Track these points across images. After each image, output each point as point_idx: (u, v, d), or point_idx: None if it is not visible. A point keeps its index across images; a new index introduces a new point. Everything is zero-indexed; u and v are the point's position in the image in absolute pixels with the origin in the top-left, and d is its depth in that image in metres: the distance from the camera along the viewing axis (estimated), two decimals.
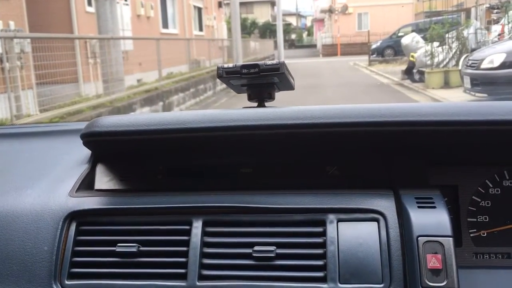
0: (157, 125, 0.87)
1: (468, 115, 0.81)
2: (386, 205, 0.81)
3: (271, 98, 1.00)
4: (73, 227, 0.86)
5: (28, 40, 6.62)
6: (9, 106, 5.77)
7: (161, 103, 9.58)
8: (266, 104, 1.00)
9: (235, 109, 0.89)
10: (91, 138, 0.92)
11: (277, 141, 0.90)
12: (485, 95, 7.32)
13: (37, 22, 8.81)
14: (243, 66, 0.91)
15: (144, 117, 0.89)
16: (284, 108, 0.88)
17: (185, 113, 0.89)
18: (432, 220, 0.76)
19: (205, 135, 0.87)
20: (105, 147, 0.96)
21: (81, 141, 0.95)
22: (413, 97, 9.78)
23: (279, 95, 1.03)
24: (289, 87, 1.01)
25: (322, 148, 0.91)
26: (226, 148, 0.93)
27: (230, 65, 0.93)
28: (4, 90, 5.82)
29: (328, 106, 0.86)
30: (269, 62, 0.91)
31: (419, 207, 0.78)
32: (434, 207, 0.78)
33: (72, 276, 0.82)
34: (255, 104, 1.00)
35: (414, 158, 0.89)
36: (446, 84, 10.12)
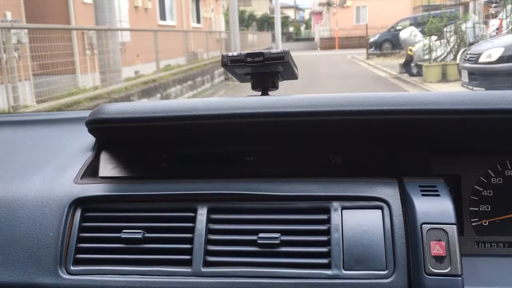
0: (163, 112, 0.87)
1: (472, 104, 0.82)
2: (390, 193, 0.82)
3: (275, 87, 1.01)
4: (78, 213, 0.86)
5: (25, 30, 6.58)
6: (6, 97, 5.74)
7: (158, 95, 9.56)
8: (270, 93, 1.00)
9: (240, 97, 0.89)
10: (96, 125, 0.92)
11: (281, 129, 0.90)
12: (483, 89, 7.34)
13: (34, 12, 8.75)
14: (248, 55, 0.91)
15: (150, 104, 0.89)
16: (288, 96, 0.88)
17: (190, 100, 0.90)
18: (436, 207, 0.76)
19: (210, 122, 0.87)
20: (110, 134, 0.96)
21: (85, 129, 0.95)
22: (410, 91, 9.79)
23: (278, 88, 1.03)
24: (293, 76, 1.01)
25: (326, 136, 0.92)
26: (231, 136, 0.93)
27: (235, 53, 0.93)
28: (1, 81, 5.79)
29: (333, 95, 0.86)
30: (274, 51, 0.91)
31: (423, 195, 0.79)
32: (438, 195, 0.79)
33: (78, 261, 0.82)
34: (259, 93, 1.00)
35: (418, 147, 0.90)
36: (444, 78, 10.14)
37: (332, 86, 11.30)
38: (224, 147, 0.95)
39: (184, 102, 0.89)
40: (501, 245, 0.90)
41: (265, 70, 0.95)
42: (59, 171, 0.94)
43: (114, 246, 0.83)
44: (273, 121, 0.86)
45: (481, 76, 7.35)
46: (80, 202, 0.87)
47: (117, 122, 0.89)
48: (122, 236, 0.83)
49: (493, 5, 12.26)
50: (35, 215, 0.86)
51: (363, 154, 0.91)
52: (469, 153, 0.93)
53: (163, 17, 15.74)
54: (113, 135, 0.96)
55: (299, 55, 21.90)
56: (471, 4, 13.06)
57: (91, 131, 0.95)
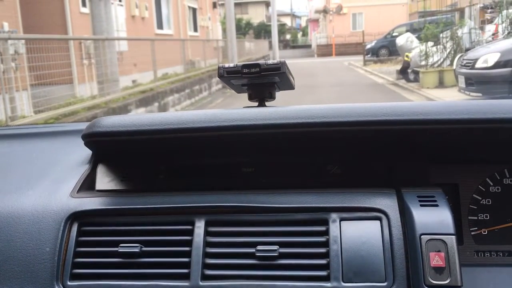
0: (159, 125, 0.87)
1: (469, 114, 0.81)
2: (388, 203, 0.82)
3: (272, 97, 1.00)
4: (74, 227, 0.85)
5: (23, 41, 6.59)
6: (4, 107, 5.73)
7: (156, 104, 9.56)
8: (267, 103, 1.00)
9: (236, 109, 0.89)
10: (93, 138, 0.91)
11: (279, 141, 0.90)
12: (480, 94, 7.36)
13: (31, 23, 8.77)
14: (244, 66, 0.91)
15: (146, 117, 0.89)
16: (285, 107, 0.88)
17: (186, 113, 0.89)
18: (434, 218, 0.76)
19: (206, 135, 0.87)
20: (107, 147, 0.95)
21: (81, 142, 0.94)
22: (408, 97, 9.82)
23: (274, 99, 1.03)
24: (290, 86, 1.01)
25: (324, 147, 0.91)
26: (228, 148, 0.93)
27: (231, 64, 0.93)
28: None
29: (330, 105, 0.86)
30: (270, 62, 0.91)
31: (421, 205, 0.79)
32: (437, 205, 0.78)
33: (74, 276, 0.82)
34: (256, 103, 1.00)
35: (416, 157, 0.89)
36: (441, 84, 10.17)
37: (330, 93, 11.32)
38: (221, 159, 0.94)
39: (181, 114, 0.89)
40: (501, 254, 0.90)
41: (262, 81, 0.95)
42: (56, 185, 0.93)
43: (112, 261, 0.82)
44: (271, 132, 0.86)
45: (478, 81, 7.36)
46: (76, 216, 0.86)
47: (114, 136, 0.89)
48: (120, 250, 0.82)
49: (489, 10, 12.32)
50: (31, 229, 0.85)
51: (361, 165, 0.91)
52: (467, 162, 0.93)
53: (160, 26, 15.79)
54: (110, 148, 0.96)
55: (296, 63, 21.98)
56: (467, 10, 13.13)
57: (87, 144, 0.95)
